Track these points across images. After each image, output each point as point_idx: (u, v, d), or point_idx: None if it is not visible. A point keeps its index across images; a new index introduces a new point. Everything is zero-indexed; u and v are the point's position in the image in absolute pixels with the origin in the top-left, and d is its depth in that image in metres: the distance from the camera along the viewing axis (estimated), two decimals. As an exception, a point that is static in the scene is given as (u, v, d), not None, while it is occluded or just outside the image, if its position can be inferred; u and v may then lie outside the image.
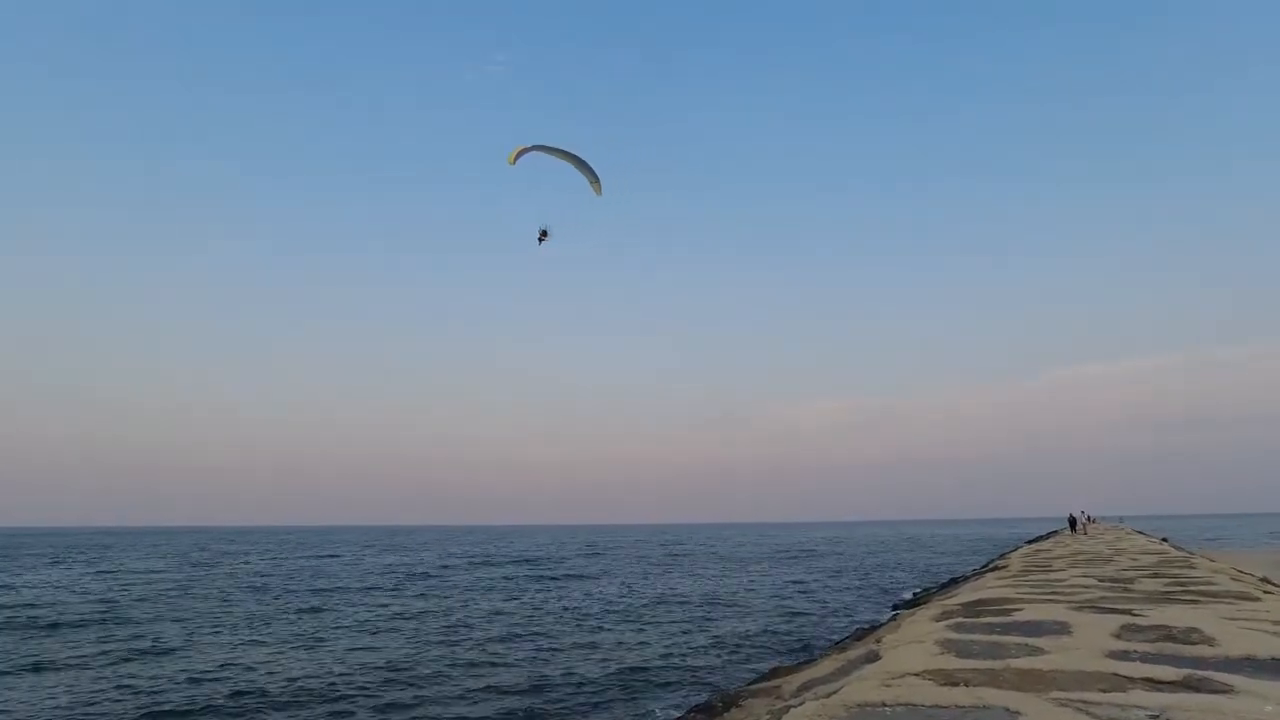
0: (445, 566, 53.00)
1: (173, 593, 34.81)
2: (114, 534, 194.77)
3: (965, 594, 16.10)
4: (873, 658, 9.72)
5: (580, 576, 44.22)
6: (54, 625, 23.76)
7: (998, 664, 7.29)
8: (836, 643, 19.19)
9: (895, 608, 26.17)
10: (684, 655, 19.05)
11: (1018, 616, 10.71)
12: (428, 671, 16.86)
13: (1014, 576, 19.34)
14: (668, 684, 15.92)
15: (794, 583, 40.18)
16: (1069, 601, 12.26)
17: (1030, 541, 57.35)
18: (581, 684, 15.62)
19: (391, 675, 16.44)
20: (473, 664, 17.73)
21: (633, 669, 17.30)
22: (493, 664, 17.58)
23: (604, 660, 18.25)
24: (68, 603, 30.33)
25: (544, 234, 18.96)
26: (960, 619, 10.95)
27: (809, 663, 14.62)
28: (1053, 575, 18.43)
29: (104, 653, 19.13)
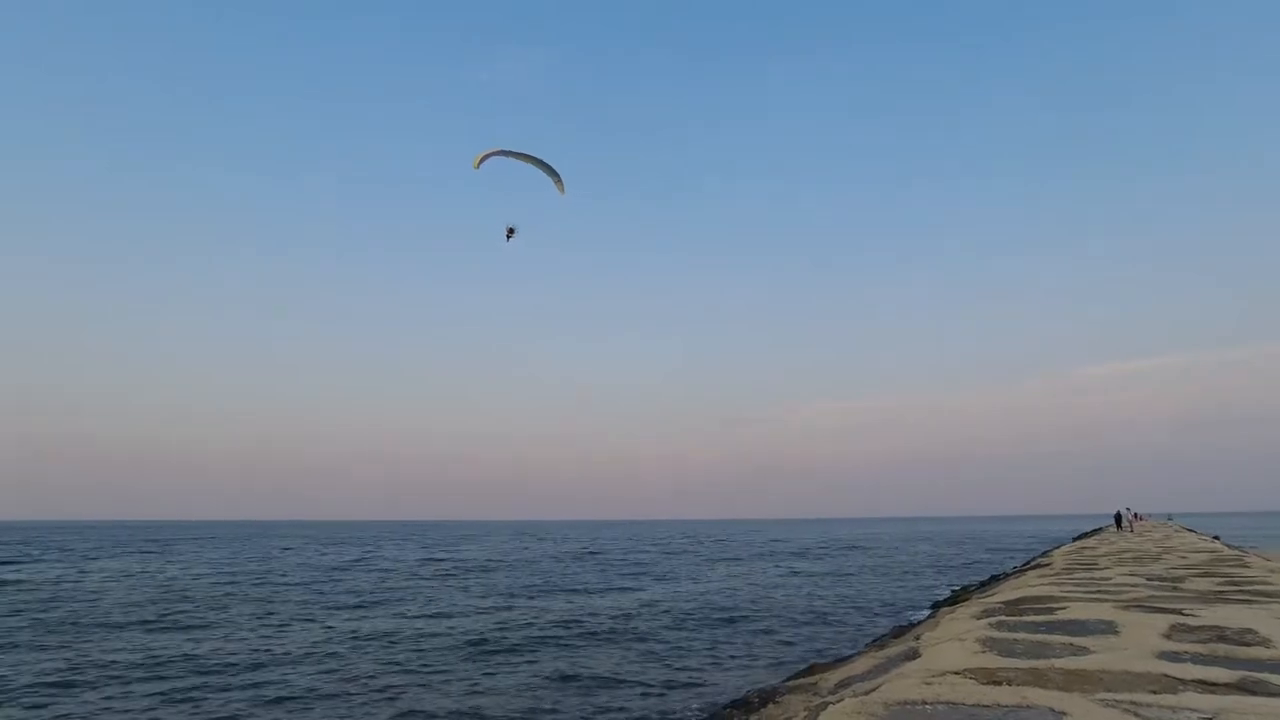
0: (491, 561, 53.70)
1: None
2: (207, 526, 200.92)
3: (1006, 592, 15.81)
4: (912, 655, 9.61)
5: (608, 569, 44.46)
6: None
7: (1042, 663, 7.15)
8: (874, 640, 19.00)
9: (933, 605, 25.79)
10: (717, 651, 19.04)
11: (1062, 615, 10.49)
12: (461, 664, 17.13)
13: (1057, 574, 18.92)
14: (702, 680, 15.94)
15: (828, 579, 39.84)
16: (1116, 600, 11.96)
17: (1074, 539, 55.99)
18: (614, 680, 15.71)
19: (426, 667, 16.75)
20: (507, 655, 17.96)
21: (665, 664, 17.36)
22: (528, 660, 17.77)
23: (636, 655, 18.33)
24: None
25: (511, 231, 20.12)
26: (1002, 617, 10.76)
27: (846, 660, 14.51)
28: (1098, 573, 17.99)
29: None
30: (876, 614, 26.33)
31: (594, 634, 21.11)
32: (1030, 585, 16.32)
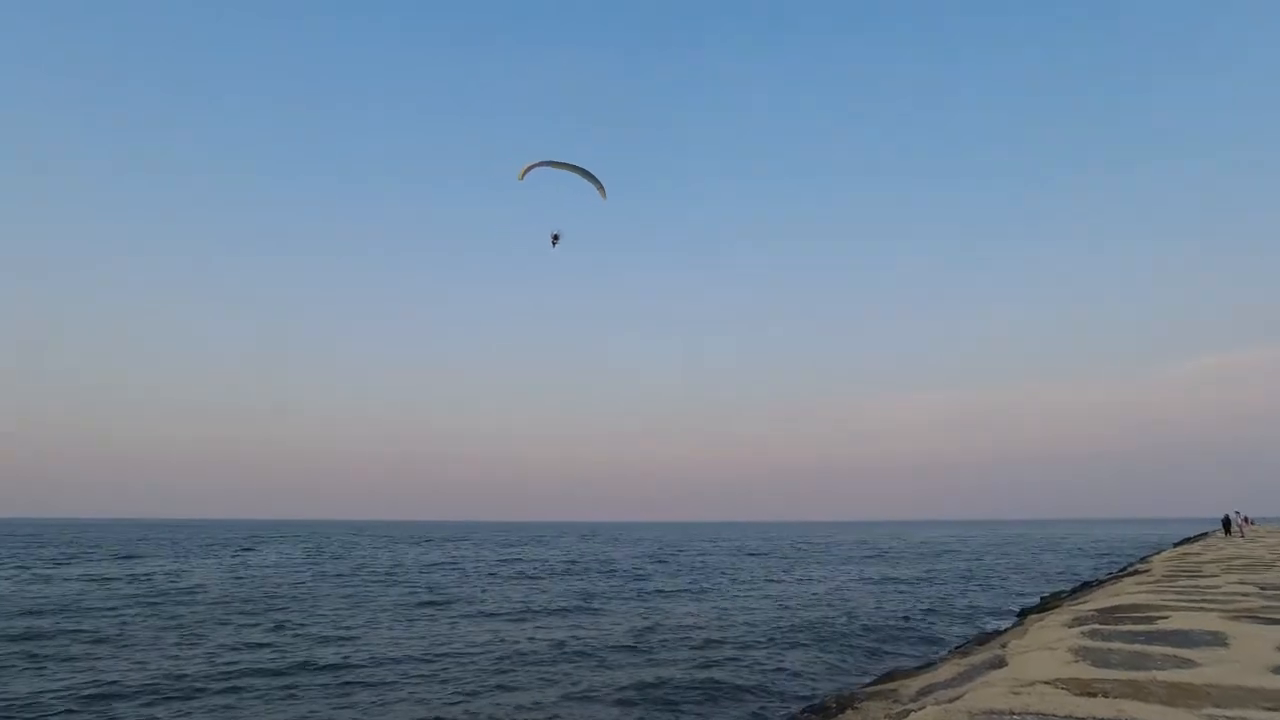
0: (611, 562, 54.64)
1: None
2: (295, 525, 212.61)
3: (1100, 599, 15.04)
4: (998, 663, 9.28)
5: (682, 573, 44.45)
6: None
7: (1141, 675, 6.79)
8: (957, 647, 18.38)
9: (1021, 612, 24.71)
10: (793, 655, 18.79)
11: (1163, 625, 9.92)
12: (561, 664, 17.48)
13: (1157, 582, 17.86)
14: (779, 684, 15.77)
15: (906, 584, 38.70)
16: (1223, 610, 11.21)
17: (1176, 544, 52.58)
18: (692, 685, 15.73)
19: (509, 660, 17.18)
20: (584, 660, 18.22)
21: (744, 667, 17.26)
22: (603, 664, 17.96)
23: (715, 658, 18.28)
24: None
25: (556, 238, 20.54)
26: (1096, 625, 10.27)
27: (928, 666, 14.09)
28: (1203, 581, 16.88)
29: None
30: (959, 620, 25.43)
31: (668, 640, 21.18)
32: (1127, 593, 15.48)
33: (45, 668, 16.46)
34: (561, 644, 19.65)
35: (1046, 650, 8.76)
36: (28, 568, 43.56)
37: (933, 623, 24.74)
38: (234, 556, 57.56)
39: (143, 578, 38.10)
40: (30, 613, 24.49)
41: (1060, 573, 47.18)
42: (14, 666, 16.52)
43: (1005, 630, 17.42)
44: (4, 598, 28.39)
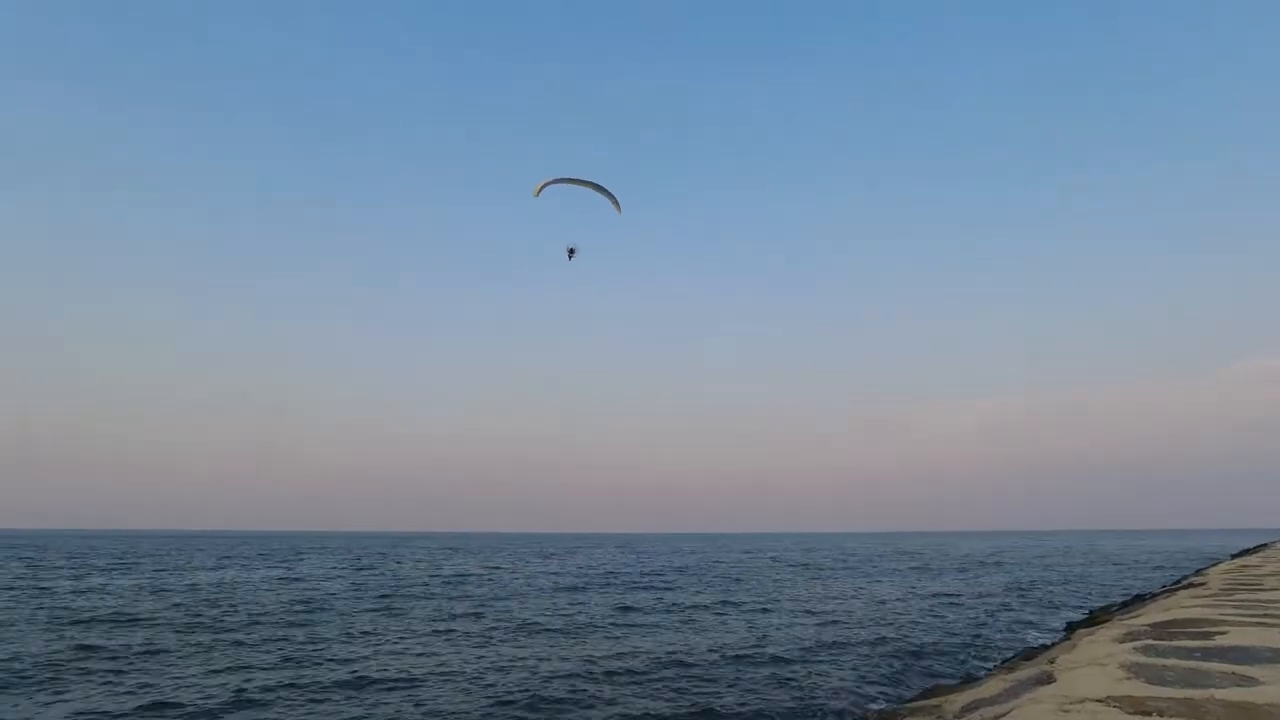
0: (679, 569, 54.62)
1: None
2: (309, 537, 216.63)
3: (1153, 613, 14.51)
4: (1046, 680, 9.01)
5: (723, 584, 44.05)
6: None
7: (1198, 693, 6.52)
8: (1003, 662, 17.88)
9: (1068, 626, 23.95)
10: (835, 670, 18.47)
11: (1221, 641, 9.53)
12: (596, 673, 17.45)
13: (1214, 595, 17.17)
14: (819, 700, 15.51)
15: (948, 597, 37.79)
16: (1286, 625, 10.72)
17: (1233, 556, 50.50)
18: (735, 703, 15.55)
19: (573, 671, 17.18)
20: (621, 678, 18.15)
21: (783, 683, 17.02)
22: (642, 681, 17.84)
23: (753, 675, 18.06)
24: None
25: (572, 252, 21.05)
26: (1149, 641, 9.91)
27: (972, 682, 13.73)
28: (1264, 595, 16.18)
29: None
30: (1004, 634, 24.73)
31: (707, 657, 20.98)
32: (1182, 606, 14.91)
33: (118, 678, 16.97)
34: (598, 660, 19.59)
35: (1097, 666, 8.47)
36: (83, 576, 44.92)
37: (977, 637, 24.10)
38: (277, 568, 58.65)
39: (198, 588, 39.05)
40: (102, 621, 25.22)
41: (1109, 585, 45.65)
42: (95, 673, 17.06)
43: (1053, 645, 16.91)
44: (72, 609, 29.30)
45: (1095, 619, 22.25)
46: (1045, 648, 17.34)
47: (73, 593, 36.04)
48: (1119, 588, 42.85)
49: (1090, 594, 40.04)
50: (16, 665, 17.94)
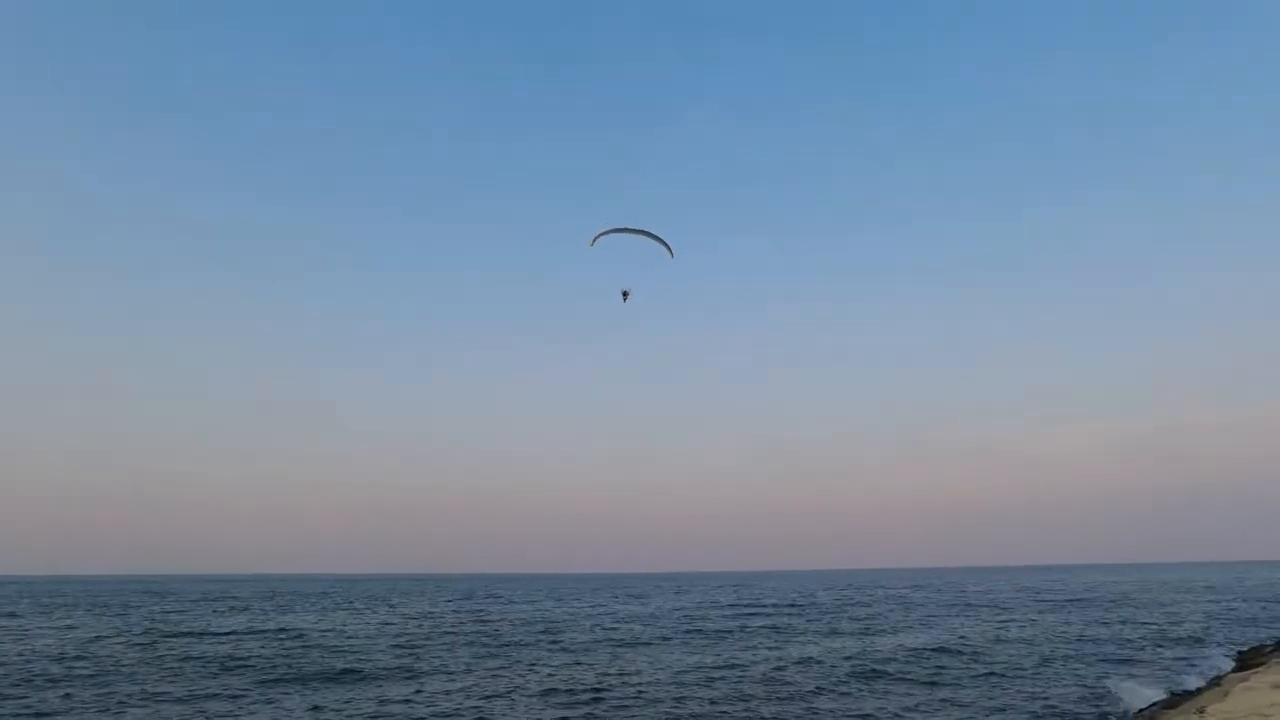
0: (795, 605, 53.88)
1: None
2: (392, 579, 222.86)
3: (1316, 656, 13.21)
4: (1199, 732, 8.39)
5: (826, 618, 42.62)
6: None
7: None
8: (1140, 710, 16.60)
9: (1225, 671, 21.95)
10: (954, 717, 17.59)
11: (1404, 689, 8.64)
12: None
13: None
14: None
15: (1072, 634, 35.30)
16: None
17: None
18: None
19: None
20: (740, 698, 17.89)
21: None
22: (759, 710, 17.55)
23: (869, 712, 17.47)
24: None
25: (626, 294, 21.76)
26: (1317, 689, 9.08)
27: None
28: None
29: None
30: (1140, 678, 22.84)
31: (815, 692, 20.43)
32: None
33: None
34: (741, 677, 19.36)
35: (1258, 718, 7.86)
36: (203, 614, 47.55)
37: (1107, 680, 22.41)
38: (382, 610, 60.33)
39: (304, 632, 40.82)
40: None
41: (1255, 620, 41.55)
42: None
43: (1199, 691, 15.61)
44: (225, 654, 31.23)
45: (1247, 662, 20.41)
46: (1190, 694, 16.03)
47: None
48: (1268, 622, 38.91)
49: (1237, 630, 36.58)
50: None
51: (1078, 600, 64.43)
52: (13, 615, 52.76)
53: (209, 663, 26.61)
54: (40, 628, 42.23)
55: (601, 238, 22.05)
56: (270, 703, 19.70)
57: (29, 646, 31.82)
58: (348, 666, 26.03)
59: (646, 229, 22.23)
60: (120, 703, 19.54)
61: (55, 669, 25.14)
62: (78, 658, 28.05)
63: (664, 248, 22.46)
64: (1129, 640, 33.30)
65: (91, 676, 23.62)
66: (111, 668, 25.52)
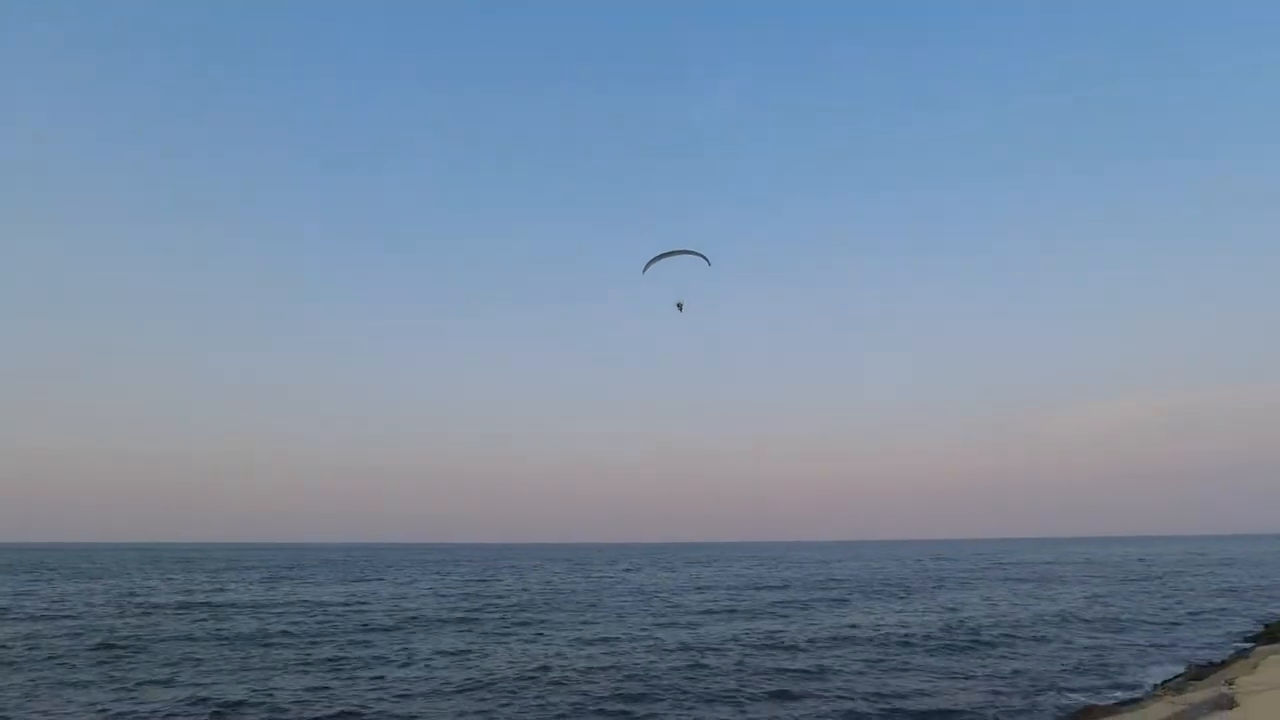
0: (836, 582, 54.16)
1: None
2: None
3: (1351, 629, 12.77)
4: (1225, 704, 8.10)
5: (857, 591, 42.62)
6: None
7: None
8: (1164, 682, 16.27)
9: (1246, 641, 21.55)
10: (972, 689, 17.39)
11: None
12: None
13: None
14: None
15: (1098, 605, 34.93)
16: None
17: None
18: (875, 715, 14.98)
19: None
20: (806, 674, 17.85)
21: (916, 696, 16.22)
22: (782, 691, 17.46)
23: (898, 688, 17.30)
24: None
25: (680, 306, 23.46)
26: (1353, 662, 8.69)
27: (1133, 704, 12.56)
28: None
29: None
30: (1162, 649, 22.49)
31: (846, 667, 20.36)
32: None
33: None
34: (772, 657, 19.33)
35: (1290, 691, 7.51)
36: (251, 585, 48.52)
37: (1129, 652, 22.08)
38: (425, 577, 61.28)
39: (366, 600, 41.58)
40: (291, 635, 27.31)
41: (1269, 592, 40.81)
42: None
43: (1226, 663, 15.25)
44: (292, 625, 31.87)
45: (1275, 634, 19.95)
46: (1216, 665, 15.67)
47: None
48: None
49: (1261, 604, 35.94)
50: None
51: (1097, 571, 63.76)
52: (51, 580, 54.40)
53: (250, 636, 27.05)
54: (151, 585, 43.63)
55: (652, 265, 24.04)
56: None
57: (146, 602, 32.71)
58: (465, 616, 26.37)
59: (687, 248, 24.17)
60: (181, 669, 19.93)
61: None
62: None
63: (702, 259, 24.13)
64: (1148, 610, 32.87)
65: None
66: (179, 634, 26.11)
